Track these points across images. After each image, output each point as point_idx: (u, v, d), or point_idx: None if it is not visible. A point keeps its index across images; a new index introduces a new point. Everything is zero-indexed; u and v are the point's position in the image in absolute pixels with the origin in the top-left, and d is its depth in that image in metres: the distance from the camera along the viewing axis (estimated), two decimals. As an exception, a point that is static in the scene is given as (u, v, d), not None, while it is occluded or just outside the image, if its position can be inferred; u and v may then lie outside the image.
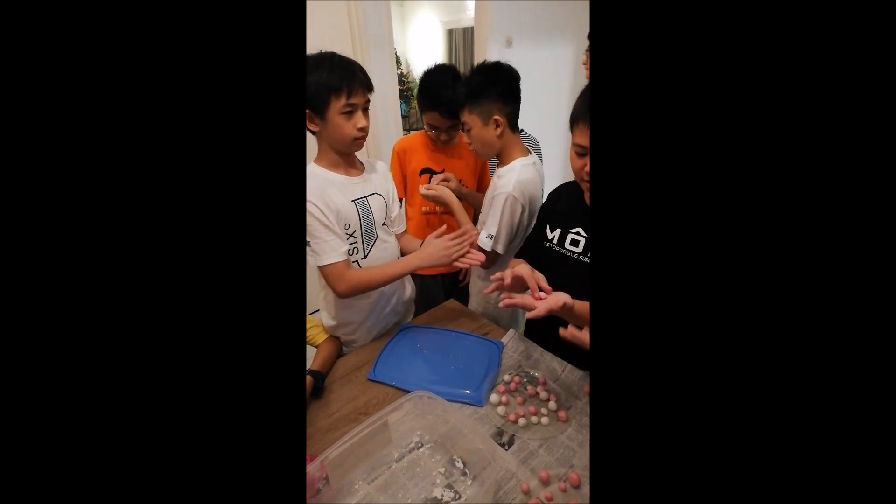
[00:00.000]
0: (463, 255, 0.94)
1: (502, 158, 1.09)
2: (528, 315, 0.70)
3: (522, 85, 1.05)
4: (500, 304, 0.73)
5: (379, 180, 1.02)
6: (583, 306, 0.73)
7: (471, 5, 4.56)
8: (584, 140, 0.77)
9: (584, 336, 0.67)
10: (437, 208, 1.34)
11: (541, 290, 0.73)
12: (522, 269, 0.76)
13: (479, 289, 1.21)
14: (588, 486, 0.65)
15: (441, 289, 1.48)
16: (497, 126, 1.02)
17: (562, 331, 0.69)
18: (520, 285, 0.76)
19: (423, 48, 5.81)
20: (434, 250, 0.94)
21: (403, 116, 5.20)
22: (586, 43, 1.31)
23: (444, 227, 1.00)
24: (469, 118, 1.03)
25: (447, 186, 1.13)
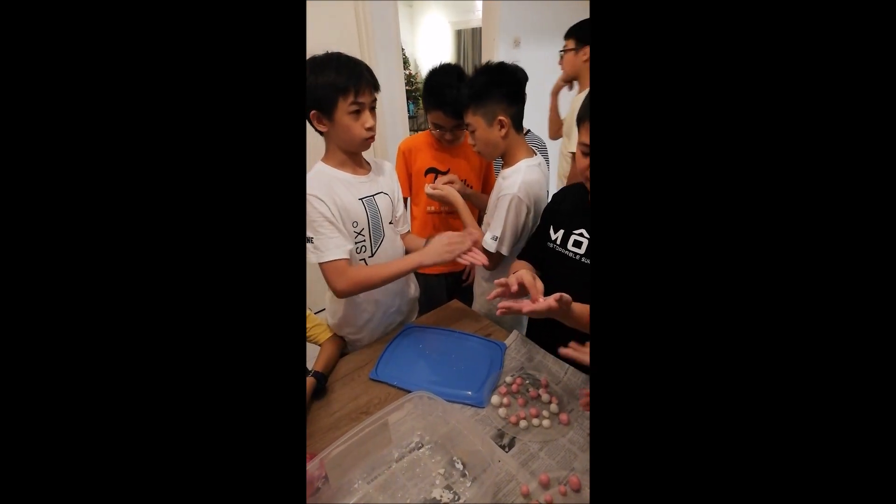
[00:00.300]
0: (465, 253, 0.94)
1: (507, 159, 1.08)
2: (527, 309, 0.70)
3: (529, 86, 1.04)
4: (498, 313, 0.73)
5: (385, 180, 1.02)
6: (582, 309, 0.73)
7: (479, 6, 4.55)
8: None
9: (584, 355, 0.68)
10: (442, 208, 1.35)
11: None
12: (525, 276, 0.76)
13: (483, 290, 1.21)
14: (588, 490, 0.65)
15: (444, 288, 1.48)
16: (501, 127, 1.01)
17: (562, 350, 0.69)
18: (522, 291, 0.76)
19: (432, 49, 5.81)
20: (436, 247, 0.94)
21: (411, 117, 5.22)
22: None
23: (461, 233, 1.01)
24: (473, 119, 1.03)
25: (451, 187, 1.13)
